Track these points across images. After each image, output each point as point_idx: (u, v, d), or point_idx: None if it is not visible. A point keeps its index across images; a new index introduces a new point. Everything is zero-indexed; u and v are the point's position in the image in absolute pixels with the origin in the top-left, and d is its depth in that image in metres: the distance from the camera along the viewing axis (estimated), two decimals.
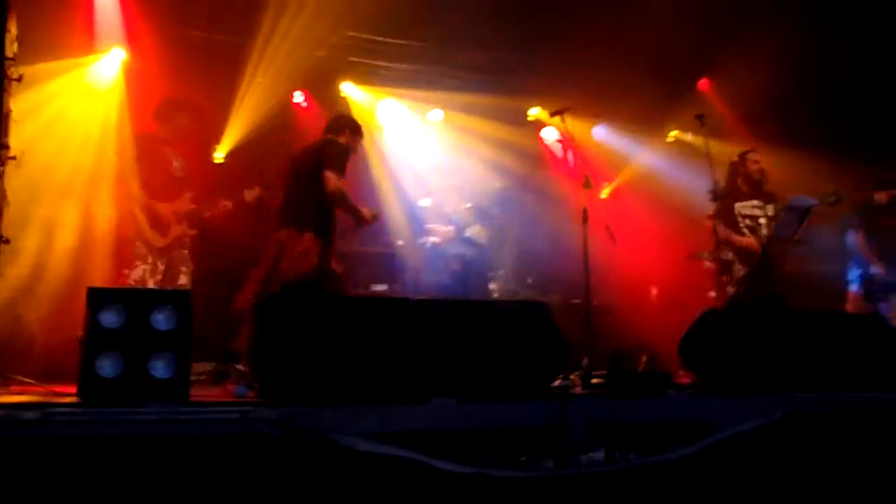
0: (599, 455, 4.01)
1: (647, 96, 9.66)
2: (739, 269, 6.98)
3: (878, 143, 8.27)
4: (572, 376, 4.53)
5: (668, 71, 9.53)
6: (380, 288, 7.78)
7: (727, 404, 4.41)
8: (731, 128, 9.41)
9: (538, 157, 9.83)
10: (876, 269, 7.30)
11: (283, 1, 7.92)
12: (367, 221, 5.78)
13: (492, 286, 8.41)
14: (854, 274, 7.52)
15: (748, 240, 6.93)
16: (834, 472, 4.44)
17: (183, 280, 6.39)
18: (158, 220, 6.28)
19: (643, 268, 8.85)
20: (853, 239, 7.48)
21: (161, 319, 3.63)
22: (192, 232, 6.52)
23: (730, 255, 7.03)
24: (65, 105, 7.20)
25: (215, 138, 8.15)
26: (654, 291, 8.84)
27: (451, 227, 8.55)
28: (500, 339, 4.18)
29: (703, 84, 10.08)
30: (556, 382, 4.35)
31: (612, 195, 10.20)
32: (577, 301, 7.81)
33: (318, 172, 5.43)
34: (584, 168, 6.24)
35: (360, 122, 6.29)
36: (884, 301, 7.28)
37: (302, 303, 4.06)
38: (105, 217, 6.77)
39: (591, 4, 8.80)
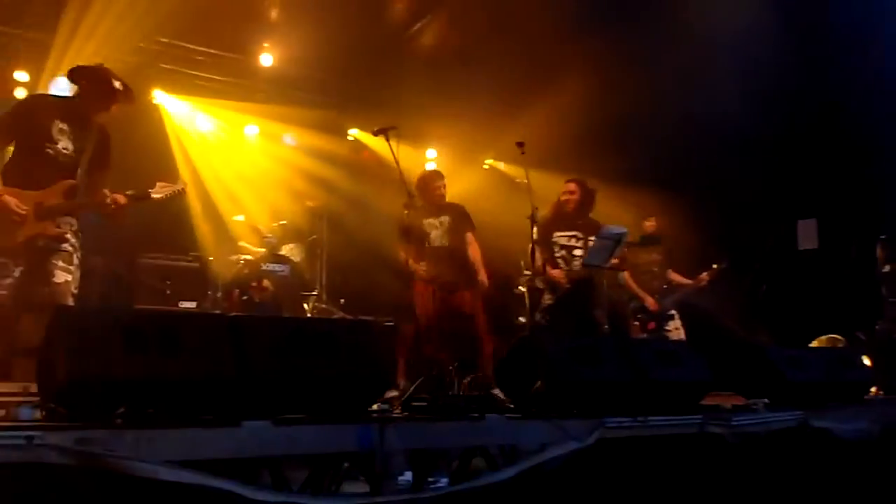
0: (416, 478, 3.91)
1: (468, 123, 9.85)
2: (547, 299, 7.10)
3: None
4: (393, 399, 4.40)
5: (490, 100, 9.76)
6: (188, 305, 7.35)
7: (544, 428, 4.42)
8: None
9: (355, 174, 9.72)
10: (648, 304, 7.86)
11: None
12: None
13: (305, 306, 8.18)
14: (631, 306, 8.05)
15: (557, 272, 7.02)
16: (642, 496, 4.56)
17: (61, 278, 4.86)
18: (4, 213, 4.71)
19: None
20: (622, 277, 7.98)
21: None
22: (57, 231, 4.86)
23: (541, 284, 7.18)
24: None
25: None
26: None
27: (264, 244, 8.24)
28: (321, 359, 3.98)
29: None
30: (376, 406, 4.20)
31: None
32: (391, 322, 7.79)
33: None
34: None
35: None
36: (656, 328, 7.81)
37: (102, 314, 3.68)
38: None
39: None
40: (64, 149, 4.97)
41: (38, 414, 3.49)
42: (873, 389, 6.55)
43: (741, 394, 6.09)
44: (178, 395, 3.55)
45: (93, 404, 3.35)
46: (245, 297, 7.77)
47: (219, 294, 7.73)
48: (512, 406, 4.76)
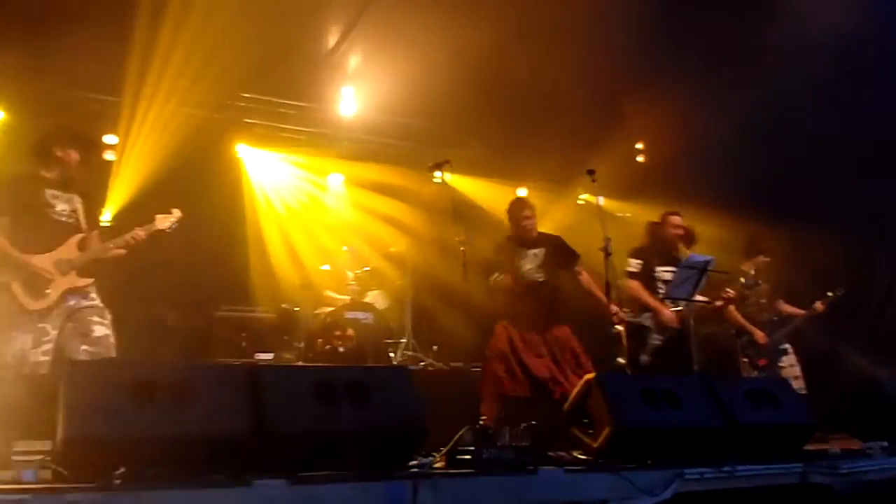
0: None
1: (557, 157, 9.50)
2: (656, 339, 6.57)
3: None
4: (436, 453, 4.04)
5: (578, 133, 9.39)
6: (265, 357, 7.24)
7: (608, 482, 3.96)
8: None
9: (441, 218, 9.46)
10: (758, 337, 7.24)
11: (167, 59, 7.54)
12: None
13: (392, 354, 7.94)
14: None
15: (669, 314, 6.47)
16: None
17: (101, 332, 5.00)
18: (33, 278, 4.93)
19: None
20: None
21: None
22: (85, 281, 5.10)
23: (647, 322, 6.65)
24: None
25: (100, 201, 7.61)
26: None
27: (348, 292, 8.07)
28: (349, 411, 3.68)
29: None
30: (415, 461, 3.85)
31: None
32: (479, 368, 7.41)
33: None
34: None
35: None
36: (768, 364, 7.14)
37: (112, 369, 3.53)
38: None
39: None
40: (62, 211, 5.21)
41: (46, 475, 3.33)
42: None
43: (858, 437, 5.41)
44: (186, 454, 3.32)
45: (94, 464, 3.17)
46: (328, 347, 7.59)
47: (301, 344, 7.58)
48: (576, 457, 4.31)
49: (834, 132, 7.65)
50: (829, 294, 7.37)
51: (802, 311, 7.45)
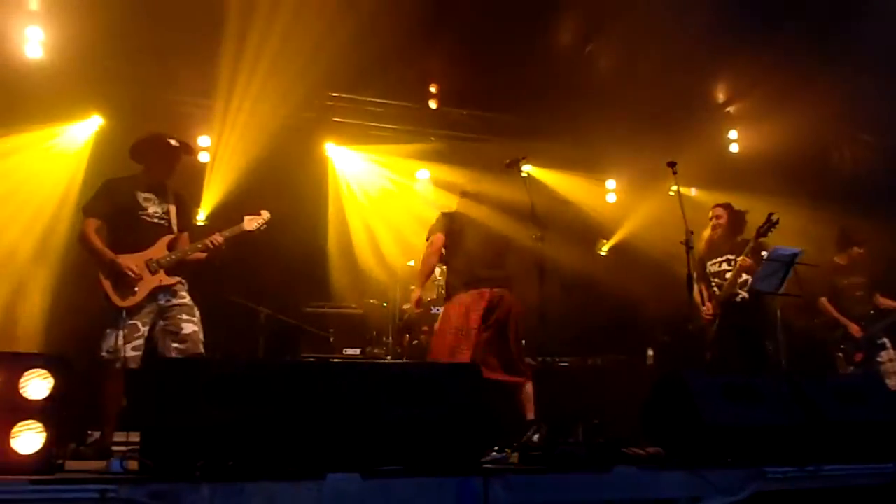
0: None
1: (647, 149, 9.34)
2: (710, 333, 6.56)
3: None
4: (508, 449, 4.06)
5: (665, 123, 9.23)
6: (352, 352, 7.39)
7: (685, 480, 3.90)
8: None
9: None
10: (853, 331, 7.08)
11: (258, 63, 7.75)
12: None
13: None
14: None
15: (705, 307, 6.60)
16: None
17: (189, 329, 5.21)
18: (122, 276, 5.14)
19: (640, 329, 8.42)
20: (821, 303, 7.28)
21: (32, 386, 3.32)
22: (172, 280, 5.31)
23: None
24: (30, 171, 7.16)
25: (195, 200, 7.90)
26: (651, 353, 8.32)
27: (435, 288, 8.14)
28: (422, 406, 3.74)
29: None
30: (489, 456, 3.88)
31: (613, 252, 9.89)
32: (565, 364, 7.42)
33: None
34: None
35: None
36: (865, 359, 6.90)
37: (190, 365, 3.68)
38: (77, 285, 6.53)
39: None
40: (154, 213, 5.46)
41: (132, 465, 3.51)
42: None
43: None
44: (263, 447, 3.45)
45: (176, 456, 3.32)
46: (415, 342, 7.70)
47: (389, 340, 7.71)
48: (652, 454, 4.26)
49: None
50: None
51: None
